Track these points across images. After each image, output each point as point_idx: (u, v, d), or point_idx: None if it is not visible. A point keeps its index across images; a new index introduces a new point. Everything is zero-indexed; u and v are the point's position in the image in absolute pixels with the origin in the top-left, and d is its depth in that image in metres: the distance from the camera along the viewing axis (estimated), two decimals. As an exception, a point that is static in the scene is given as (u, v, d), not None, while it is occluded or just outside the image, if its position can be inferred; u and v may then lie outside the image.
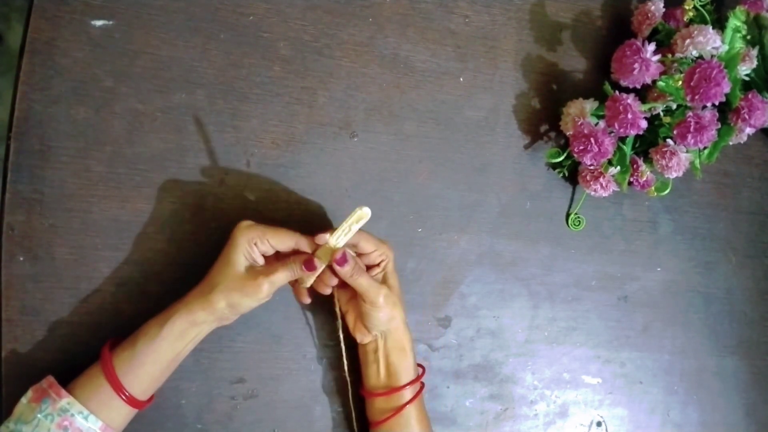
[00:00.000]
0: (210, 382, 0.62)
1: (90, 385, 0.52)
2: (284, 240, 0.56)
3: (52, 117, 0.59)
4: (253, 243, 0.55)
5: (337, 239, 0.56)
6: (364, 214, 0.55)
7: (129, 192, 0.61)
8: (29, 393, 0.52)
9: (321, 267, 0.56)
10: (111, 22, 0.61)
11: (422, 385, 0.62)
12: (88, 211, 0.60)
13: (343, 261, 0.55)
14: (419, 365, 0.63)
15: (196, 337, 0.55)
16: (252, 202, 0.64)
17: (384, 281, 0.60)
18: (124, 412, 0.53)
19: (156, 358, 0.53)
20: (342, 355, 0.63)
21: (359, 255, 0.60)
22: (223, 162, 0.63)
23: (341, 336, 0.62)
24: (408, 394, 0.60)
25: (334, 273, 0.57)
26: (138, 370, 0.53)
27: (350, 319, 0.62)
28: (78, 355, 0.58)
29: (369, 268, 0.60)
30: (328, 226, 0.65)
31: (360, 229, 0.56)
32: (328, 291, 0.60)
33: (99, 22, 0.61)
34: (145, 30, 0.62)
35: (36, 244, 0.58)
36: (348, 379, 0.63)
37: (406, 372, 0.60)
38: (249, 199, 0.64)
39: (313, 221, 0.65)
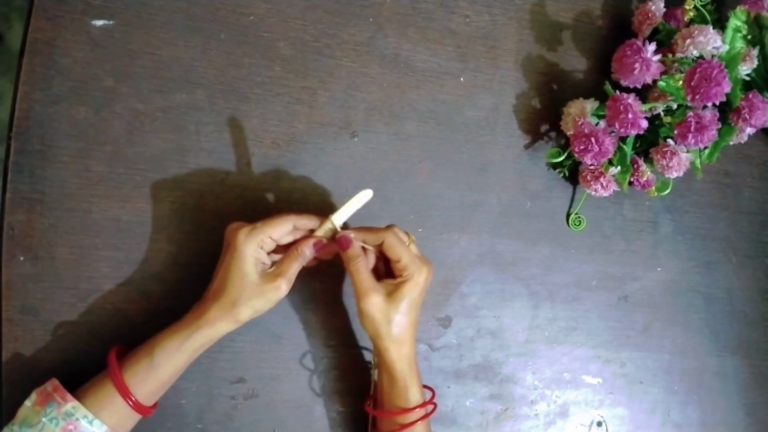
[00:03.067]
0: (210, 382, 0.62)
1: (97, 392, 0.52)
2: (283, 228, 0.56)
3: (53, 117, 0.59)
4: (260, 247, 0.55)
5: (336, 217, 0.57)
6: (365, 194, 0.56)
7: (129, 192, 0.61)
8: (33, 396, 0.52)
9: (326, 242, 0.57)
10: (111, 22, 0.61)
11: (428, 411, 0.59)
12: (88, 211, 0.60)
13: (344, 245, 0.56)
14: (429, 388, 0.61)
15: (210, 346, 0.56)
16: (252, 202, 0.64)
17: (390, 295, 0.56)
18: (129, 418, 0.53)
19: (173, 370, 0.54)
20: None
21: (390, 261, 0.58)
22: (223, 162, 0.63)
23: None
24: (414, 415, 0.58)
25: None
26: (154, 381, 0.53)
27: None
28: (78, 354, 0.58)
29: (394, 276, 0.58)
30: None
31: (395, 236, 0.57)
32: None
33: (99, 22, 0.61)
34: (145, 30, 0.62)
35: (36, 244, 0.58)
36: (373, 377, 0.63)
37: (398, 398, 0.58)
38: (249, 199, 0.64)
39: (313, 221, 0.65)
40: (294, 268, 0.55)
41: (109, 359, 0.53)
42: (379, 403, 0.61)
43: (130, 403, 0.52)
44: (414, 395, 0.58)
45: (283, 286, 0.54)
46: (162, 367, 0.53)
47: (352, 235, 0.57)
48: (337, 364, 0.66)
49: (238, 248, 0.54)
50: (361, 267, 0.56)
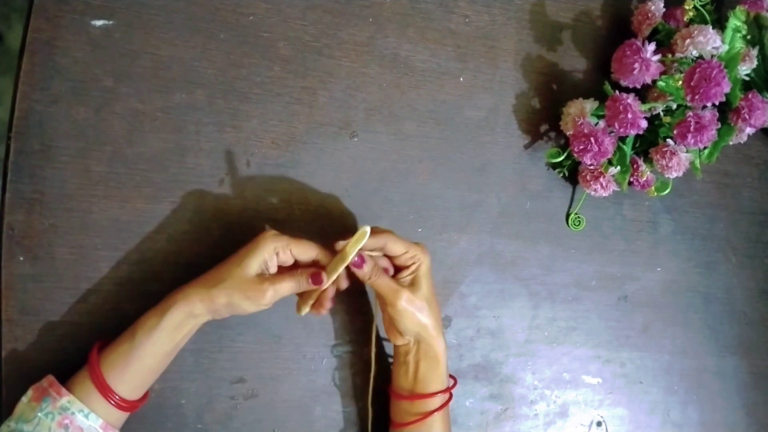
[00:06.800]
0: (210, 382, 0.62)
1: (87, 384, 0.52)
2: (307, 252, 0.56)
3: (52, 117, 0.59)
4: (275, 252, 0.55)
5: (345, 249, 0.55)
6: (364, 231, 0.54)
7: (129, 192, 0.61)
8: (30, 392, 0.52)
9: (327, 283, 0.55)
10: (111, 22, 0.61)
11: (451, 395, 0.61)
12: (88, 211, 0.60)
13: (359, 263, 0.55)
14: (452, 376, 0.63)
15: (191, 330, 0.55)
16: (252, 202, 0.64)
17: (412, 284, 0.58)
18: (118, 410, 0.53)
19: (155, 350, 0.53)
20: (371, 352, 0.64)
21: (389, 258, 0.59)
22: (223, 162, 0.63)
23: (374, 335, 0.64)
24: (436, 402, 0.59)
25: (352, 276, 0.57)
26: (136, 363, 0.53)
27: (386, 320, 0.61)
28: (78, 354, 0.58)
29: (400, 270, 0.59)
30: (327, 226, 0.66)
31: (389, 232, 0.58)
32: (323, 312, 0.58)
33: (99, 22, 0.61)
34: (145, 30, 0.62)
35: (36, 244, 0.58)
36: (372, 377, 0.64)
37: (435, 381, 0.60)
38: (249, 199, 0.64)
39: (313, 221, 0.65)
40: (286, 285, 0.55)
41: (90, 356, 0.53)
42: (404, 393, 0.61)
43: (113, 402, 0.52)
44: (445, 375, 0.61)
45: (268, 293, 0.54)
46: (143, 348, 0.52)
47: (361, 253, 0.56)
48: (337, 365, 0.66)
49: (257, 242, 0.55)
50: (380, 276, 0.57)
